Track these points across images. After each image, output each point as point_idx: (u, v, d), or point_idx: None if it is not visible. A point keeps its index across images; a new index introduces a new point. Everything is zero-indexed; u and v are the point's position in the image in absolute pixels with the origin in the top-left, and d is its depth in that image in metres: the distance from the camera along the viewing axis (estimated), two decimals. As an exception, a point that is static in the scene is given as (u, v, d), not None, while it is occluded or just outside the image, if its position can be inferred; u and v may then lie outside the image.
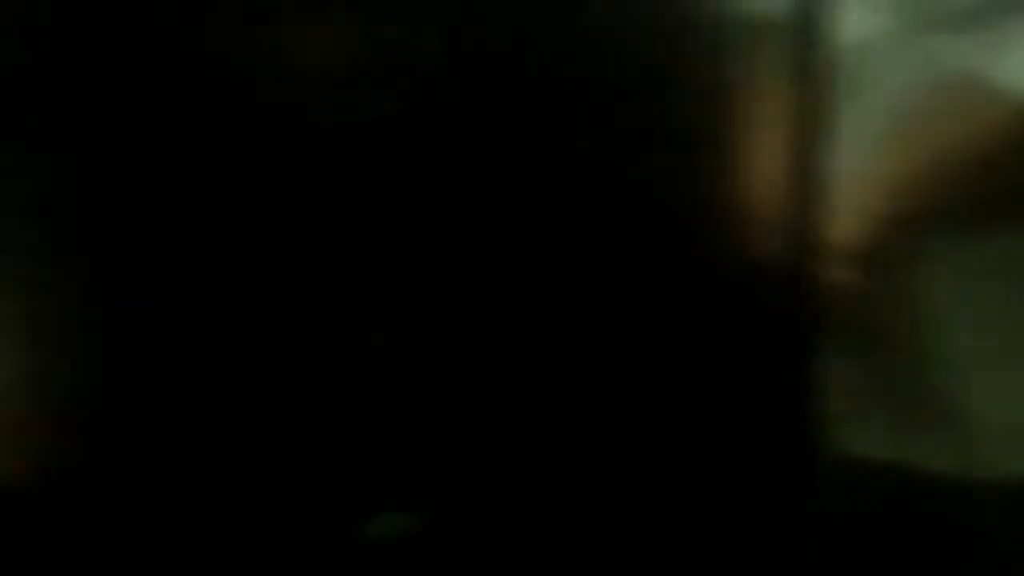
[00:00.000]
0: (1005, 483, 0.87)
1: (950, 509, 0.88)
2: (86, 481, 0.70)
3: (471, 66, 0.69)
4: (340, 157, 0.69)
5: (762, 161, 0.75)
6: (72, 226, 0.68)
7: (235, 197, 0.68)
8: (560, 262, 0.72)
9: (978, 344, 0.88)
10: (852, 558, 0.88)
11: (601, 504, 0.74)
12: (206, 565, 0.71)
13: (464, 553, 0.75)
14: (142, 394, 0.70)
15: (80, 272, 0.69)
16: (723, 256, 0.74)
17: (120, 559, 0.71)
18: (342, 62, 0.69)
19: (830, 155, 0.84)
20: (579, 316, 0.72)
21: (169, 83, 0.66)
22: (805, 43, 0.76)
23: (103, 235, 0.69)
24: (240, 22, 0.68)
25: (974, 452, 0.88)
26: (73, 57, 0.67)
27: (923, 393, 0.89)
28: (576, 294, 0.72)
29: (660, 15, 0.72)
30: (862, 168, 0.88)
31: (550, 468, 0.74)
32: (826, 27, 0.76)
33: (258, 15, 0.68)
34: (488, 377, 0.73)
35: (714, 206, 0.74)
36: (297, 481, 0.72)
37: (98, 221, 0.69)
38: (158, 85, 0.66)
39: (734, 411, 0.75)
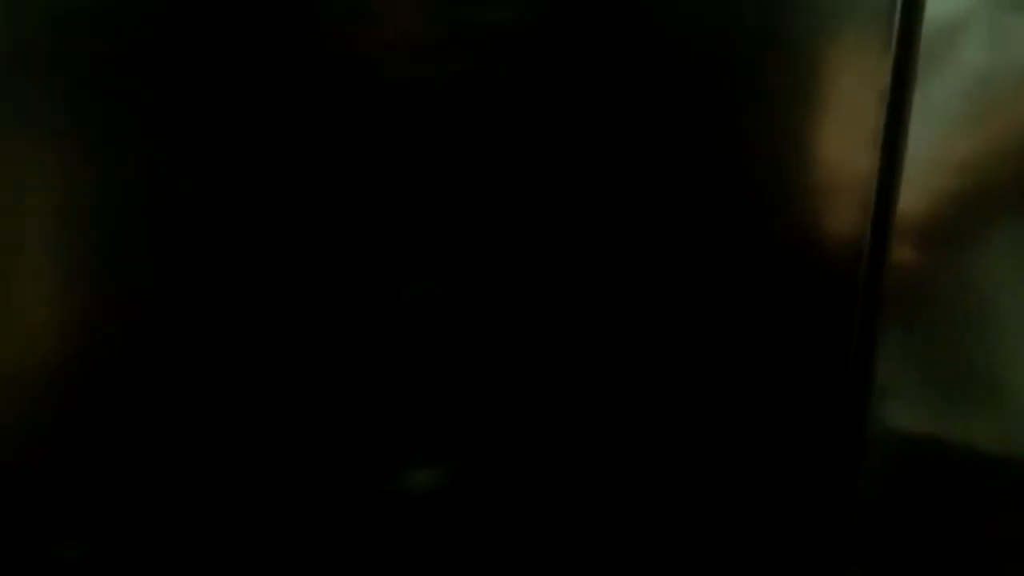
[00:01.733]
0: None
1: (990, 484, 0.90)
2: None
3: (541, 36, 0.70)
4: (412, 112, 0.70)
5: (848, 137, 0.75)
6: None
7: (308, 145, 0.68)
8: (626, 230, 0.73)
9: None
10: (896, 529, 0.90)
11: (653, 469, 0.76)
12: (243, 520, 0.73)
13: (493, 505, 0.76)
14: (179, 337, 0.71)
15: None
16: (799, 226, 0.75)
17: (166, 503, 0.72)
18: (419, 25, 0.69)
19: (911, 133, 0.85)
20: (644, 275, 0.74)
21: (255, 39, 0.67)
22: (898, 22, 0.76)
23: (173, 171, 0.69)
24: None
25: (1017, 428, 0.89)
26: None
27: (974, 369, 0.91)
28: (643, 256, 0.73)
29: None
30: (940, 146, 0.89)
31: (593, 428, 0.76)
32: (916, 5, 0.76)
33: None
34: (527, 334, 0.74)
35: (796, 177, 0.75)
36: (331, 436, 0.73)
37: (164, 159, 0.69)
38: (244, 42, 0.67)
39: (798, 378, 0.77)
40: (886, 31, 0.75)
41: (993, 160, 0.89)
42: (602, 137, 0.72)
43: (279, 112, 0.68)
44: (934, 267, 0.91)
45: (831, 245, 0.76)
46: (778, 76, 0.74)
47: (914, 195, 0.89)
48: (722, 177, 0.74)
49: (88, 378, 0.69)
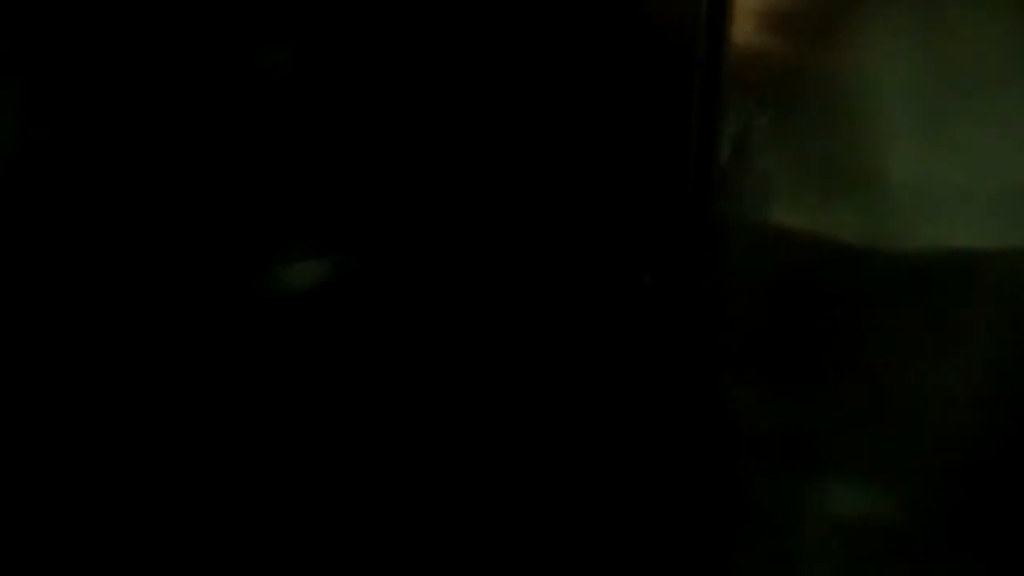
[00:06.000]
0: (918, 251, 0.86)
1: (860, 278, 0.87)
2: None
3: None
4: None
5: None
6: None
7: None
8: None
9: (901, 110, 0.86)
10: (759, 323, 0.88)
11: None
12: (120, 328, 0.71)
13: (379, 299, 0.73)
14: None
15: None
16: (631, 17, 0.72)
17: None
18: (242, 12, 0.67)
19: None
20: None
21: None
22: None
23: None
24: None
25: (889, 220, 0.86)
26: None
27: (841, 161, 0.87)
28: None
29: None
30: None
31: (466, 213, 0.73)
32: None
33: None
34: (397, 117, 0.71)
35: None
36: (201, 231, 0.71)
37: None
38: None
39: (633, 171, 0.74)
40: None
41: None
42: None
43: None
44: (799, 55, 0.87)
45: (666, 33, 0.73)
46: None
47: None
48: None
49: None
